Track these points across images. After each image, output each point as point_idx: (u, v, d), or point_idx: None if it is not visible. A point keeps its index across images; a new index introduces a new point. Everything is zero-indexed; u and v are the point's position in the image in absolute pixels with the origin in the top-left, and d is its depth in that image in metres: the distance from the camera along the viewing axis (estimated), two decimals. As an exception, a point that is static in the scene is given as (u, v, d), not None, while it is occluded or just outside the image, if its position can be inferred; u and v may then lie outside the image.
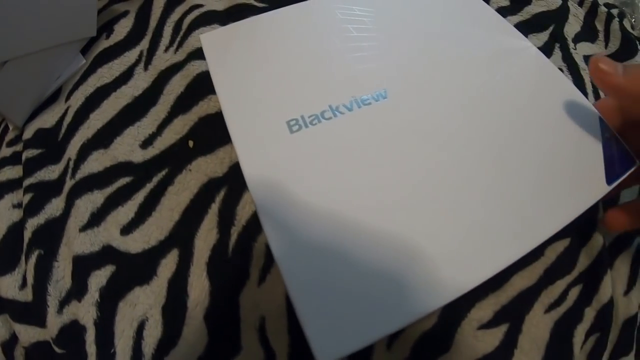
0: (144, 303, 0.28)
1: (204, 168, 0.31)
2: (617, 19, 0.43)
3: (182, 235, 0.29)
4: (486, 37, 0.29)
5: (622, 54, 0.41)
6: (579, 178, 0.23)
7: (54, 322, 0.29)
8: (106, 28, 0.38)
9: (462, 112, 0.25)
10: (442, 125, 0.24)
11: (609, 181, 0.23)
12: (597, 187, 0.23)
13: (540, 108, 0.26)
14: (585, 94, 0.31)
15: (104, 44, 0.37)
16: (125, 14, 0.38)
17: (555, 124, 0.25)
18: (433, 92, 0.26)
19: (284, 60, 0.27)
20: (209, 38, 0.29)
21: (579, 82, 0.37)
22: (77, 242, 0.30)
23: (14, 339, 0.31)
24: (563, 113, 0.25)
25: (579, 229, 0.30)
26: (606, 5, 0.45)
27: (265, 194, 0.22)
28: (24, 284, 0.31)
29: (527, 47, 0.29)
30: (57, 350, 0.29)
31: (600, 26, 0.43)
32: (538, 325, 0.27)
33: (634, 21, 0.45)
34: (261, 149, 0.23)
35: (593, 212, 0.30)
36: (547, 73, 0.27)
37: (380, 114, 0.25)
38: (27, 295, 0.30)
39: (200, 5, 0.38)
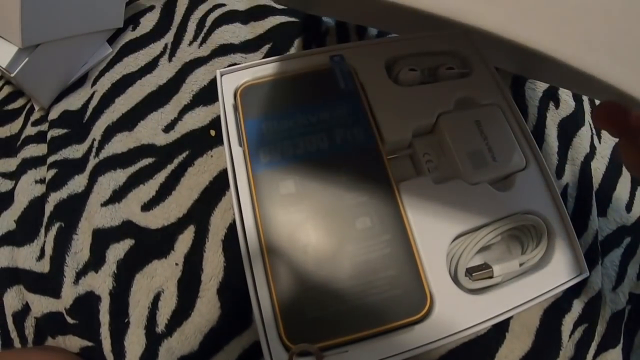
0: (161, 275, 0.30)
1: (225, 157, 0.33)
2: None
3: (199, 213, 0.31)
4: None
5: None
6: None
7: (69, 292, 0.31)
8: (132, 20, 0.41)
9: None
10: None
11: None
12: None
13: None
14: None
15: (130, 35, 0.40)
16: (151, 8, 0.42)
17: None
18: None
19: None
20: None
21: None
22: (97, 217, 0.32)
23: (25, 309, 0.33)
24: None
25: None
26: None
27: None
28: (41, 256, 0.33)
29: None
30: (69, 320, 0.31)
31: None
32: (529, 310, 0.29)
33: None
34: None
35: (587, 207, 0.33)
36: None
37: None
38: (43, 267, 0.32)
39: (223, 5, 0.41)
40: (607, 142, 0.37)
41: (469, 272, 0.25)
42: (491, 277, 0.25)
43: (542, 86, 0.38)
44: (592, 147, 0.36)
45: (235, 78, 0.29)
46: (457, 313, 0.23)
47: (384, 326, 0.22)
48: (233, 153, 0.26)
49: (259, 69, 0.29)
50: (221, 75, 0.29)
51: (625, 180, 0.36)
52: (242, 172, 0.26)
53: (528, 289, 0.24)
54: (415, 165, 0.29)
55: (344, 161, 0.26)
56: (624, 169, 0.36)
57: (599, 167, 0.36)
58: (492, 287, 0.25)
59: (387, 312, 0.22)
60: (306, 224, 0.24)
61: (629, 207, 0.35)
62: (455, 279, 0.24)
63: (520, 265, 0.25)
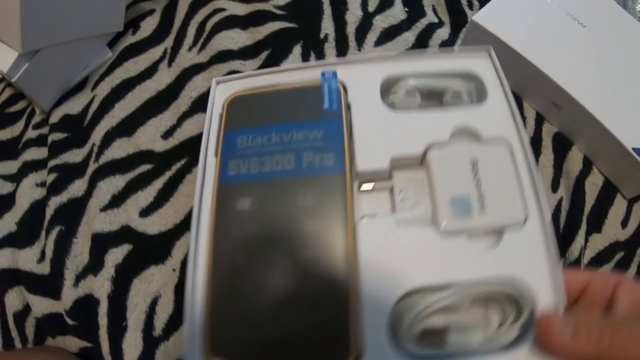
0: (158, 281, 0.31)
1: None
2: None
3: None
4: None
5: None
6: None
7: (69, 294, 0.33)
8: (132, 24, 0.42)
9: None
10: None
11: None
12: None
13: None
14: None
15: (130, 39, 0.41)
16: (151, 12, 0.42)
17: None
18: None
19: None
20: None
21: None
22: (97, 221, 0.33)
23: (26, 309, 0.34)
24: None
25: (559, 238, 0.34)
26: None
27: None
28: (42, 258, 0.34)
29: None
30: (69, 321, 0.32)
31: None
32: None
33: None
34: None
35: (577, 222, 0.34)
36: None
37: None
38: (44, 269, 0.34)
39: (223, 9, 0.42)
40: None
41: (424, 335, 0.22)
42: (442, 346, 0.22)
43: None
44: (588, 163, 0.37)
45: (230, 87, 0.29)
46: None
47: None
48: (207, 161, 0.27)
49: (254, 80, 0.29)
50: (216, 84, 0.29)
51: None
52: (209, 181, 0.26)
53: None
54: (392, 202, 0.26)
55: (304, 187, 0.25)
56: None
57: (595, 183, 0.36)
58: (444, 357, 0.22)
59: (312, 354, 0.22)
60: (254, 245, 0.24)
61: (624, 222, 0.36)
62: (397, 340, 0.22)
63: (484, 339, 0.22)
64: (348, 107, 0.27)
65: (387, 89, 0.28)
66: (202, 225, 0.25)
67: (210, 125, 0.28)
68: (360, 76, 0.29)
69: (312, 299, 0.22)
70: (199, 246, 0.24)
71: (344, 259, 0.23)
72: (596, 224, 0.35)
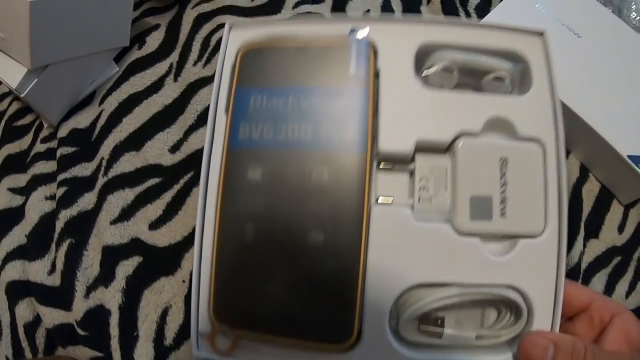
0: (168, 292, 0.32)
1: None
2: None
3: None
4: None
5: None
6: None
7: (80, 305, 0.34)
8: (138, 39, 0.43)
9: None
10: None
11: None
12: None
13: None
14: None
15: (136, 54, 0.42)
16: (156, 27, 0.44)
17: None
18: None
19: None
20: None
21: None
22: (107, 234, 0.34)
23: (37, 320, 0.35)
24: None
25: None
26: None
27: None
28: (52, 270, 0.35)
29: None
30: (80, 332, 0.33)
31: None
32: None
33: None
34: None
35: (575, 228, 0.35)
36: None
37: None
38: (54, 281, 0.35)
39: (226, 24, 0.43)
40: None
41: (420, 321, 0.23)
42: (439, 337, 0.23)
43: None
44: (585, 170, 0.38)
45: (245, 35, 0.26)
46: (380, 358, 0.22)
47: (307, 340, 0.22)
48: (217, 119, 0.25)
49: (273, 28, 0.26)
50: (230, 28, 0.26)
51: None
52: (219, 142, 0.25)
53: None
54: (411, 186, 0.24)
55: (321, 162, 0.23)
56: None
57: (592, 190, 0.38)
58: (436, 346, 0.23)
59: (312, 331, 0.22)
60: (262, 218, 0.23)
61: (621, 228, 0.37)
62: (396, 327, 0.23)
63: (477, 338, 0.23)
64: (377, 74, 0.25)
65: (423, 58, 0.25)
66: (210, 192, 0.24)
67: (222, 77, 0.26)
68: (395, 38, 0.25)
69: (319, 279, 0.22)
70: (207, 215, 0.24)
71: (355, 245, 0.22)
72: (594, 230, 0.37)
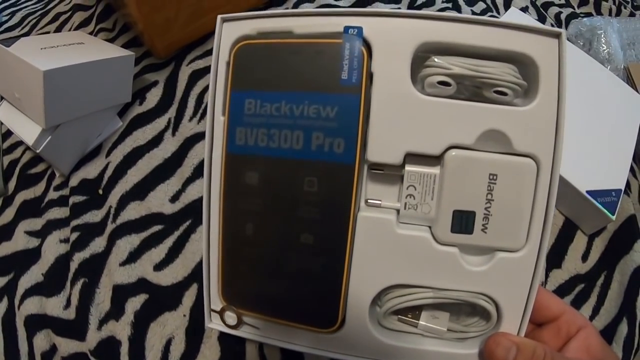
0: (171, 324, 0.38)
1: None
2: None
3: (201, 274, 0.39)
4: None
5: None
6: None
7: (93, 336, 0.39)
8: (139, 95, 0.49)
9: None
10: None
11: None
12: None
13: None
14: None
15: (138, 109, 0.48)
16: (155, 83, 0.49)
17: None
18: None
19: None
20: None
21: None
22: (117, 274, 0.40)
23: (52, 349, 0.40)
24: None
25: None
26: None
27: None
28: (67, 305, 0.41)
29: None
30: None
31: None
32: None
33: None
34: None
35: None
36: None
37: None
38: (70, 314, 0.40)
39: (217, 80, 0.49)
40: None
41: (398, 312, 0.27)
42: (415, 326, 0.27)
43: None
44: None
45: (238, 29, 0.27)
46: (361, 343, 0.26)
47: (298, 324, 0.27)
48: (215, 121, 0.27)
49: (265, 21, 0.27)
50: (222, 22, 0.27)
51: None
52: (218, 146, 0.27)
53: (442, 356, 0.25)
54: (400, 190, 0.26)
55: (311, 171, 0.25)
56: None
57: (556, 223, 0.41)
58: (410, 334, 0.27)
59: (302, 316, 0.27)
60: (259, 219, 0.26)
61: (585, 256, 0.40)
62: (375, 316, 0.27)
63: (448, 330, 0.26)
64: (370, 76, 0.25)
65: (422, 57, 0.25)
66: (213, 192, 0.28)
67: (217, 75, 0.27)
68: (392, 36, 0.25)
69: (310, 273, 0.26)
70: (212, 214, 0.28)
71: (341, 247, 0.25)
72: (556, 261, 0.40)
